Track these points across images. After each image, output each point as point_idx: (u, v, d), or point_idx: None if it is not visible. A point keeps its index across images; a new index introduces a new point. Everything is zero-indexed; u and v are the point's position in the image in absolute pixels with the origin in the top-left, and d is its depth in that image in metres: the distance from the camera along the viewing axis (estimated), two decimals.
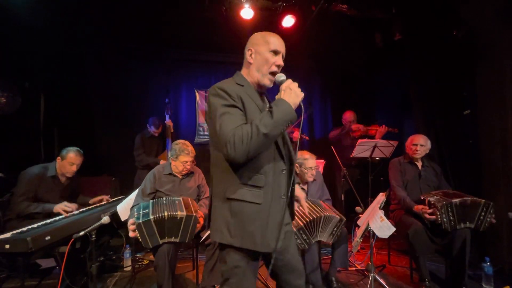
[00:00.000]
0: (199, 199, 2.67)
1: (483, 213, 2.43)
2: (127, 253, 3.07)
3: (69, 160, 2.68)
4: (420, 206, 2.61)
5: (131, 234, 2.10)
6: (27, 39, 3.52)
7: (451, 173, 3.52)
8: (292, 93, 1.28)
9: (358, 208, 2.60)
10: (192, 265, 3.08)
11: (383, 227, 2.24)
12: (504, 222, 2.83)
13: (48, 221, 2.22)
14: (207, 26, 3.90)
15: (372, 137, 4.08)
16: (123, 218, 2.48)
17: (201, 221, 2.30)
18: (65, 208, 2.53)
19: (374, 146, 3.60)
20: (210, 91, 1.34)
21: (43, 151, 3.78)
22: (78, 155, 2.73)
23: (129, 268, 3.03)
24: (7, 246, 1.76)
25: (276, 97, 1.32)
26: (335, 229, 2.37)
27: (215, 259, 2.32)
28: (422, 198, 2.64)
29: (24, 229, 1.99)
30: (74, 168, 2.72)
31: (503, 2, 2.81)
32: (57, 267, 2.66)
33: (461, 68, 3.39)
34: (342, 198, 3.76)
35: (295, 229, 2.23)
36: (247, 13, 3.55)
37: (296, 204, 1.57)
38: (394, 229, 2.23)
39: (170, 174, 2.56)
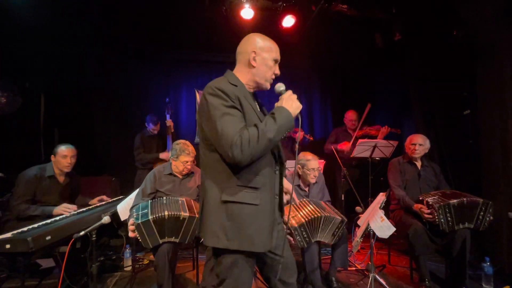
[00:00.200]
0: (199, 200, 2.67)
1: (482, 213, 2.43)
2: (127, 253, 3.08)
3: (61, 153, 2.68)
4: (419, 205, 2.62)
5: (130, 234, 2.10)
6: (27, 39, 3.52)
7: (451, 173, 3.53)
8: (293, 104, 1.34)
9: (358, 208, 2.60)
10: (192, 265, 3.08)
11: (384, 227, 2.24)
12: (504, 222, 2.83)
13: (48, 221, 2.22)
14: (207, 26, 3.90)
15: (374, 137, 4.08)
16: (123, 218, 2.48)
17: None
18: (65, 210, 2.53)
19: (374, 146, 3.60)
20: (206, 90, 1.30)
21: (43, 151, 3.78)
22: (69, 147, 2.74)
23: (129, 268, 3.03)
24: (8, 246, 1.75)
25: (277, 104, 1.36)
26: (337, 230, 2.37)
27: None
28: (420, 198, 2.65)
29: (25, 229, 1.99)
30: (68, 160, 2.71)
31: (503, 2, 2.81)
32: (56, 268, 2.67)
33: (461, 68, 3.39)
34: (342, 198, 3.76)
35: (296, 225, 2.24)
36: (247, 13, 3.54)
37: (285, 197, 1.55)
38: (394, 229, 2.23)
39: (171, 174, 2.56)
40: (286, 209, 2.27)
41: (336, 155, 3.60)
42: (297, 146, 1.45)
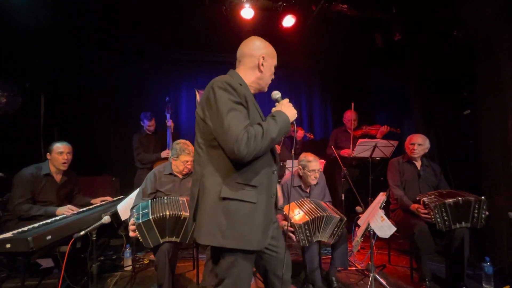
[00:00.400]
0: None
1: (476, 211, 2.42)
2: (127, 252, 3.07)
3: (57, 150, 2.68)
4: (416, 205, 2.63)
5: (131, 234, 2.11)
6: (27, 39, 3.52)
7: (451, 173, 3.53)
8: (291, 110, 1.40)
9: (358, 208, 2.60)
10: (192, 265, 3.08)
11: (384, 227, 2.24)
12: (504, 222, 2.83)
13: (48, 220, 2.22)
14: (207, 26, 3.90)
15: (374, 136, 4.08)
16: (123, 218, 2.48)
17: None
18: (68, 211, 2.53)
19: (374, 146, 3.60)
20: (215, 83, 1.30)
21: (43, 151, 3.78)
22: (64, 144, 2.74)
23: (129, 268, 3.03)
24: (8, 245, 1.75)
25: (274, 109, 1.43)
26: (336, 229, 2.37)
27: None
28: (417, 198, 2.65)
29: (25, 228, 1.99)
30: (65, 156, 2.71)
31: (503, 2, 2.81)
32: (56, 268, 2.67)
33: (461, 68, 3.39)
34: (343, 198, 3.76)
35: (301, 223, 2.24)
36: (247, 13, 3.54)
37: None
38: (395, 229, 2.24)
39: (171, 174, 2.56)
40: (286, 207, 2.28)
41: (336, 155, 3.60)
42: (293, 152, 1.51)
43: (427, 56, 3.81)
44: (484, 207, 2.42)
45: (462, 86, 3.47)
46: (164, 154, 3.86)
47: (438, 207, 2.41)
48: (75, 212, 2.54)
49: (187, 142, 2.59)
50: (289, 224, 2.28)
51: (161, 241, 2.13)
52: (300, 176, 2.71)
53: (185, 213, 2.12)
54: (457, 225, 2.43)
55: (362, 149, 3.60)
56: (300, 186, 2.72)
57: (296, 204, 2.50)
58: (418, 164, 2.94)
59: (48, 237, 1.91)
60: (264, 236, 1.34)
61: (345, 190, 3.76)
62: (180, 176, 2.59)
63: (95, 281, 2.04)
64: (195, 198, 1.36)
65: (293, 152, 1.59)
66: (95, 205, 2.85)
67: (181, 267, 3.04)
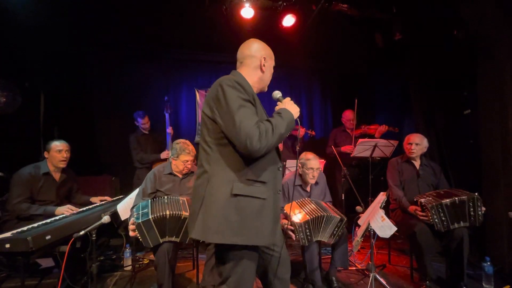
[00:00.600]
0: None
1: (471, 209, 2.41)
2: (127, 252, 3.07)
3: (55, 148, 2.68)
4: (414, 207, 2.62)
5: (131, 233, 2.11)
6: (27, 39, 3.51)
7: (451, 173, 3.53)
8: (294, 108, 1.46)
9: (358, 208, 2.60)
10: (192, 265, 3.08)
11: (384, 227, 2.24)
12: (504, 222, 2.83)
13: (48, 220, 2.22)
14: (207, 26, 3.90)
15: (372, 135, 4.08)
16: (123, 218, 2.48)
17: None
18: (67, 210, 2.53)
19: (374, 146, 3.60)
20: (223, 81, 1.32)
21: (43, 151, 3.77)
22: (62, 142, 2.75)
23: (129, 268, 3.02)
24: (8, 245, 1.75)
25: (277, 108, 1.48)
26: (336, 229, 2.37)
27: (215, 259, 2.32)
28: (415, 200, 2.65)
29: (24, 228, 1.99)
30: (64, 154, 2.71)
31: (503, 2, 2.81)
32: (56, 268, 2.66)
33: (461, 68, 3.39)
34: (343, 198, 3.75)
35: (301, 222, 2.24)
36: (247, 12, 3.54)
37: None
38: (395, 228, 2.23)
39: (171, 173, 2.56)
40: (287, 206, 2.29)
41: (336, 155, 3.60)
42: (298, 147, 1.52)
43: (427, 56, 3.81)
44: (479, 203, 2.41)
45: (462, 86, 3.47)
46: (163, 155, 3.87)
47: (435, 207, 2.41)
48: (74, 212, 2.53)
49: (187, 141, 2.58)
50: (289, 223, 2.29)
51: (161, 240, 2.13)
52: (300, 175, 2.71)
53: (185, 213, 2.12)
54: (456, 225, 2.43)
55: (362, 148, 3.60)
56: (300, 186, 2.71)
57: (297, 203, 2.50)
58: (417, 163, 2.94)
59: (48, 237, 1.91)
60: (273, 232, 1.37)
61: (345, 190, 3.76)
62: (180, 176, 2.58)
63: (94, 281, 2.04)
64: (200, 197, 1.33)
65: (297, 148, 1.63)
66: (95, 204, 2.85)
67: (181, 267, 3.04)
